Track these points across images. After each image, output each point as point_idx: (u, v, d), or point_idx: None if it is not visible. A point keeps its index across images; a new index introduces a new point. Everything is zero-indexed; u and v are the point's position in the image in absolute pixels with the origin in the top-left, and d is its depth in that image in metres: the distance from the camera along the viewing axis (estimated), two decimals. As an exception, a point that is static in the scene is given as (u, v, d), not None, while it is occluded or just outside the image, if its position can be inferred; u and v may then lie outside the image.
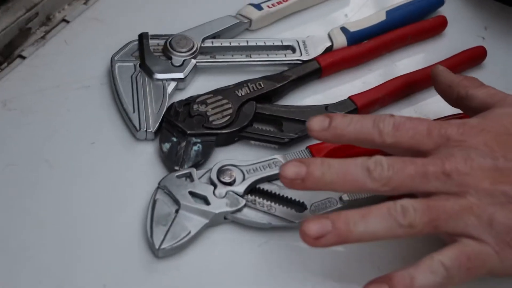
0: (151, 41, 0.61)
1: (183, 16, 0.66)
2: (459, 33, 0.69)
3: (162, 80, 0.59)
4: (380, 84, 0.61)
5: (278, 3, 0.66)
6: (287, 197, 0.52)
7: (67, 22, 0.65)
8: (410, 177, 0.46)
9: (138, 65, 0.59)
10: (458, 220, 0.45)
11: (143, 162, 0.55)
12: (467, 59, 0.65)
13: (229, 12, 0.65)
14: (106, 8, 0.66)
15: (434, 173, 0.46)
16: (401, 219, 0.44)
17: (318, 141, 0.56)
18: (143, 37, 0.61)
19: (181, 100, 0.57)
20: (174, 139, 0.55)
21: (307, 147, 0.55)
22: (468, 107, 0.53)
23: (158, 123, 0.56)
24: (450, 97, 0.55)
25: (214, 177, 0.52)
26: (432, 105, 0.62)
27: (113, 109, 0.58)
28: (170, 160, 0.54)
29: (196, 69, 0.61)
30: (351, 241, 0.45)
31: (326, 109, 0.59)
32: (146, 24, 0.64)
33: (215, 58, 0.61)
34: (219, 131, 0.55)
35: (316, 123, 0.49)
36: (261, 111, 0.57)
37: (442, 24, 0.68)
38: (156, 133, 0.56)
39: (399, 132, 0.47)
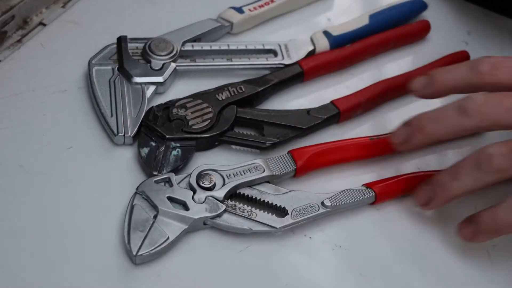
0: (130, 45, 0.60)
1: (163, 19, 0.65)
2: (443, 38, 0.68)
3: (141, 84, 0.57)
4: (363, 88, 0.60)
5: (260, 6, 0.65)
6: (268, 202, 0.51)
7: (44, 25, 0.63)
8: (508, 111, 0.46)
9: (116, 68, 0.58)
10: None
11: (121, 167, 0.54)
12: (450, 64, 0.64)
13: (210, 15, 0.64)
14: (84, 11, 0.65)
15: None
16: (488, 167, 0.46)
17: (299, 146, 0.55)
18: (121, 41, 0.60)
19: (160, 104, 0.56)
20: (153, 144, 0.54)
21: (288, 152, 0.54)
22: None
23: (137, 128, 0.54)
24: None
25: (193, 182, 0.51)
26: (416, 109, 0.61)
27: (90, 113, 0.57)
28: (148, 165, 0.52)
29: (176, 73, 0.59)
30: (451, 199, 0.49)
31: (308, 113, 0.58)
32: (125, 27, 0.63)
33: (195, 61, 0.60)
34: (199, 136, 0.54)
35: (418, 82, 0.51)
36: (242, 115, 0.56)
37: (425, 28, 0.67)
38: (135, 137, 0.54)
39: (498, 70, 0.47)
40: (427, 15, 0.69)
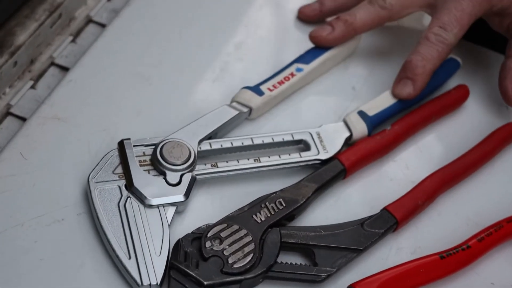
0: (135, 149, 0.48)
1: (167, 108, 0.53)
2: (479, 101, 0.60)
3: (158, 206, 0.46)
4: (417, 186, 0.51)
5: (279, 83, 0.55)
6: None
7: (23, 119, 0.51)
8: None
9: (123, 186, 0.47)
10: None
11: (149, 327, 0.43)
12: (501, 141, 0.56)
13: (218, 95, 0.54)
14: (66, 101, 0.52)
15: None
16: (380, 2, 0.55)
17: (354, 267, 0.46)
18: (124, 146, 0.48)
19: (188, 235, 0.45)
20: (188, 294, 0.43)
21: (350, 286, 0.45)
22: None
23: (163, 270, 0.43)
24: None
25: None
26: (476, 197, 0.53)
27: (98, 250, 0.45)
28: (188, 328, 0.42)
29: (195, 182, 0.48)
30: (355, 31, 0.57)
31: (361, 226, 0.48)
32: (121, 122, 0.51)
33: (217, 166, 0.49)
34: (243, 277, 0.44)
35: None
36: (287, 239, 0.46)
37: (464, 95, 0.58)
38: (162, 283, 0.43)
39: None
40: (460, 75, 0.60)
